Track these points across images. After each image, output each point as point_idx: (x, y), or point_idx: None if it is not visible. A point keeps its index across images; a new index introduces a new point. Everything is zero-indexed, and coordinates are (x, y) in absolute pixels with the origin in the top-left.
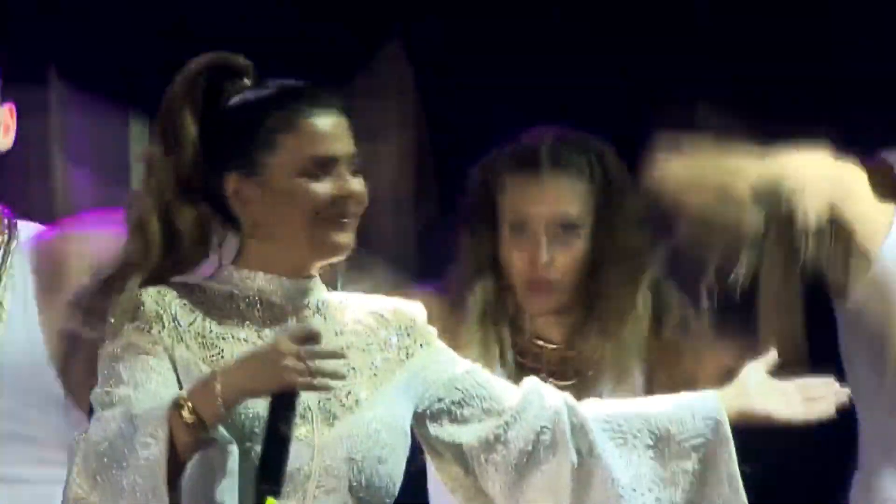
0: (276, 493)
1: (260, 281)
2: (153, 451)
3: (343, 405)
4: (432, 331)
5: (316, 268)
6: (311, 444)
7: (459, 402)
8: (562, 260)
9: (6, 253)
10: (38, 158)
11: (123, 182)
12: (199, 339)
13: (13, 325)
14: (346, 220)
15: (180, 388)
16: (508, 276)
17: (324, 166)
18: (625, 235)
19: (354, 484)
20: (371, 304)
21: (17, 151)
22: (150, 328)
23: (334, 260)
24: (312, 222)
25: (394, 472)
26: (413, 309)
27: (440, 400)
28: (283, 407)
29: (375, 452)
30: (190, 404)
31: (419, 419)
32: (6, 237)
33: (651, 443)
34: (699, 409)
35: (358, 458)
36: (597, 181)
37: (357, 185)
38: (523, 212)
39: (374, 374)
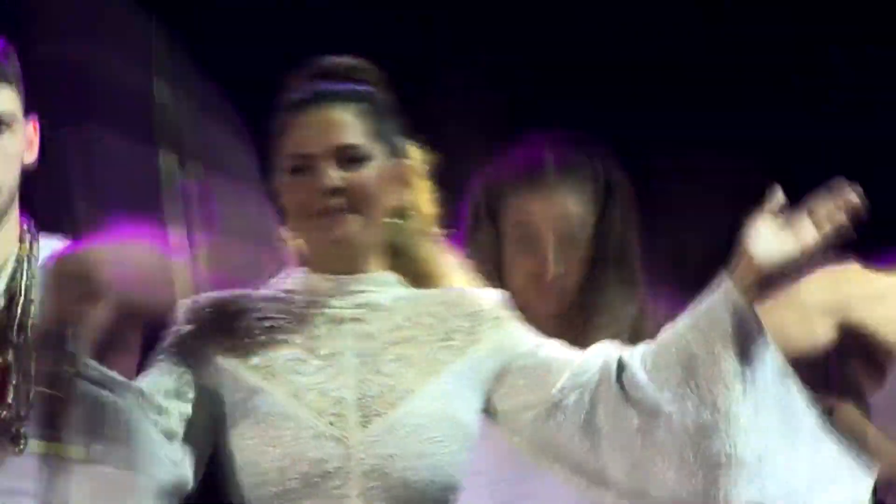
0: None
1: (311, 280)
2: None
3: (386, 402)
4: (503, 314)
5: (370, 263)
6: (345, 443)
7: (518, 374)
8: (566, 264)
9: (28, 267)
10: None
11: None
12: (246, 345)
13: None
14: (326, 215)
15: (204, 394)
16: (511, 283)
17: (301, 163)
18: (623, 240)
19: (393, 481)
20: (445, 295)
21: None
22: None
23: (338, 249)
24: (302, 220)
25: (442, 466)
26: (484, 294)
27: (505, 376)
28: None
29: (414, 448)
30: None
31: (491, 400)
32: (27, 250)
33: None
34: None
35: (396, 453)
36: (600, 188)
37: (335, 178)
38: (529, 219)
39: (430, 366)
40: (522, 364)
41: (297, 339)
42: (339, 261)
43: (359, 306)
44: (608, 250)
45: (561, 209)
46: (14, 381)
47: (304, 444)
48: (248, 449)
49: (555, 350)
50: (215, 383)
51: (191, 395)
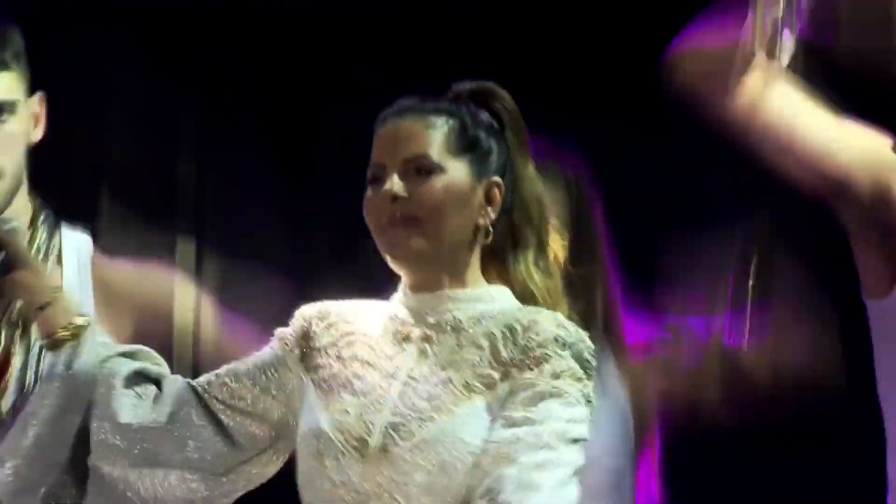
0: None
1: (398, 298)
2: None
3: (409, 430)
4: (559, 358)
5: (463, 279)
6: (363, 463)
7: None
8: None
9: (39, 255)
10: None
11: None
12: (336, 358)
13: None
14: (391, 225)
15: (288, 402)
16: None
17: (375, 174)
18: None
19: None
20: (515, 316)
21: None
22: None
23: (407, 266)
24: (375, 235)
25: (457, 494)
26: (550, 326)
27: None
28: None
29: (430, 479)
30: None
31: None
32: (40, 237)
33: None
34: None
35: (411, 483)
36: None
37: (398, 186)
38: None
39: (464, 392)
40: (494, 427)
41: (368, 356)
42: (417, 279)
43: (430, 326)
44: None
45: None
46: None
47: (331, 466)
48: (299, 461)
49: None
50: (294, 386)
51: (265, 384)
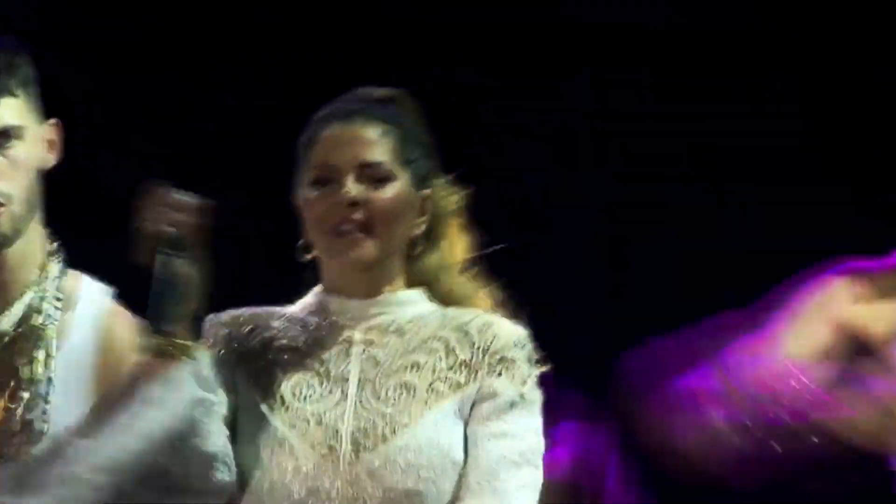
0: (159, 330)
1: (327, 302)
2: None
3: (379, 436)
4: (515, 355)
5: (393, 285)
6: (337, 475)
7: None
8: None
9: (46, 301)
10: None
11: None
12: (257, 367)
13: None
14: (346, 229)
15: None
16: None
17: (324, 175)
18: None
19: None
20: (463, 319)
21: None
22: (217, 349)
23: (353, 271)
24: (321, 237)
25: (432, 502)
26: (507, 330)
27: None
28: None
29: (408, 485)
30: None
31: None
32: (48, 276)
33: None
34: None
35: (387, 489)
36: None
37: (355, 191)
38: None
39: (429, 396)
40: (475, 439)
41: (308, 362)
42: (357, 284)
43: (370, 329)
44: None
45: None
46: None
47: (300, 474)
48: (253, 472)
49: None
50: (231, 398)
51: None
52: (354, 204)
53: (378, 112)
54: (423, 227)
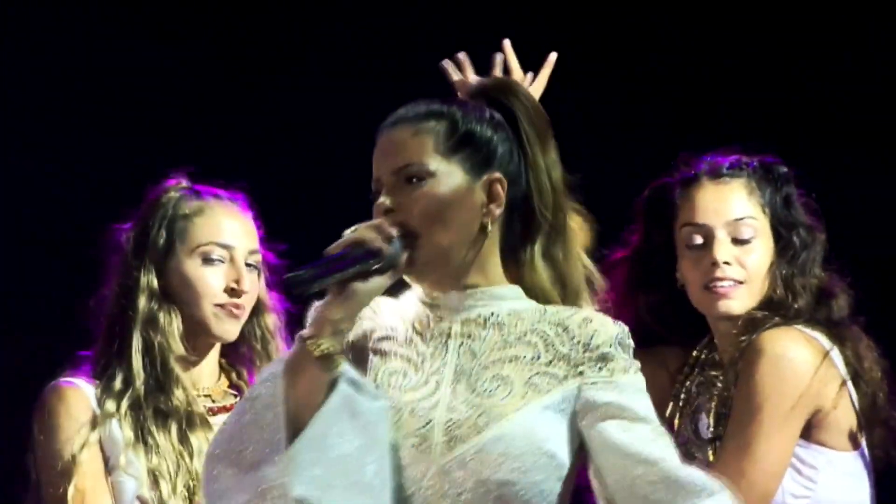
0: (294, 277)
1: (427, 295)
2: (277, 369)
3: (473, 426)
4: (616, 353)
5: (486, 277)
6: (429, 465)
7: (602, 450)
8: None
9: None
10: None
11: None
12: (358, 354)
13: None
14: (391, 236)
15: None
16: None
17: (374, 189)
18: None
19: None
20: (564, 315)
21: None
22: None
23: (416, 277)
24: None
25: (527, 496)
26: (603, 325)
27: (592, 433)
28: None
29: (500, 476)
30: (311, 336)
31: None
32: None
33: None
34: None
35: (480, 480)
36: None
37: (388, 199)
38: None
39: (527, 390)
40: (609, 441)
41: (405, 353)
42: (432, 283)
43: (469, 322)
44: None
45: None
46: None
47: (393, 462)
48: None
49: (645, 448)
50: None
51: None
52: (388, 212)
53: (420, 110)
54: (497, 212)
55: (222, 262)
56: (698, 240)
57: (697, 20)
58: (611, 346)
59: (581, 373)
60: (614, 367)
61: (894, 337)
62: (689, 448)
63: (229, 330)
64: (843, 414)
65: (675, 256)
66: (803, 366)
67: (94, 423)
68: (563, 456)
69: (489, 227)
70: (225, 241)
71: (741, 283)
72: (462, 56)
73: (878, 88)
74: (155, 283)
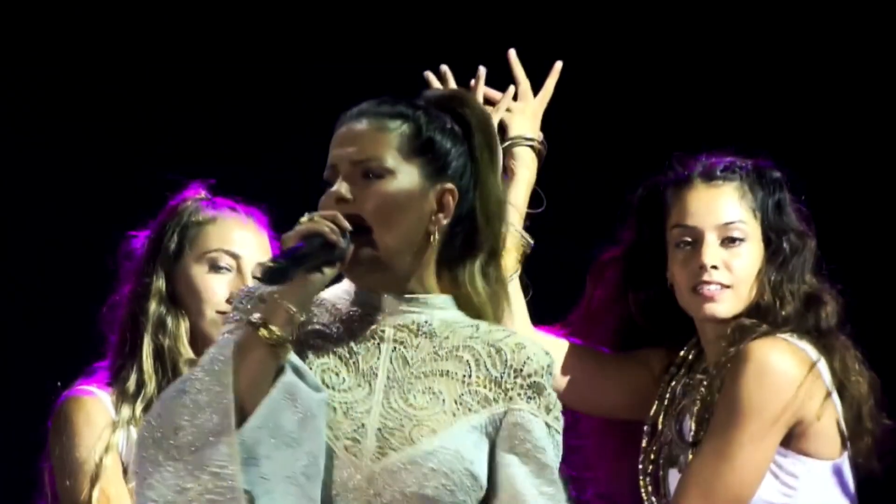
0: (274, 267)
1: (361, 294)
2: (223, 353)
3: (405, 437)
4: (543, 383)
5: (422, 284)
6: (358, 470)
7: (503, 478)
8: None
9: None
10: None
11: None
12: (305, 347)
13: None
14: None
15: None
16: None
17: (328, 175)
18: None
19: None
20: (495, 336)
21: None
22: None
23: (355, 270)
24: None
25: None
26: (540, 356)
27: (498, 457)
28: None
29: (427, 491)
30: (265, 321)
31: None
32: None
33: None
34: None
35: (408, 492)
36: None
37: (343, 189)
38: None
39: (457, 407)
40: (511, 479)
41: (337, 350)
42: (368, 281)
43: (402, 328)
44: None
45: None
46: None
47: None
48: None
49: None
50: None
51: None
52: (340, 201)
53: (386, 108)
54: (444, 222)
55: (229, 270)
56: (688, 241)
57: (694, 20)
58: (542, 376)
59: (510, 398)
60: (542, 401)
61: (882, 346)
62: (672, 449)
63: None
64: (827, 424)
65: (666, 256)
66: (789, 378)
67: (114, 428)
68: (483, 479)
69: (434, 236)
70: (233, 249)
71: (728, 286)
72: (444, 68)
73: (875, 94)
74: (164, 287)
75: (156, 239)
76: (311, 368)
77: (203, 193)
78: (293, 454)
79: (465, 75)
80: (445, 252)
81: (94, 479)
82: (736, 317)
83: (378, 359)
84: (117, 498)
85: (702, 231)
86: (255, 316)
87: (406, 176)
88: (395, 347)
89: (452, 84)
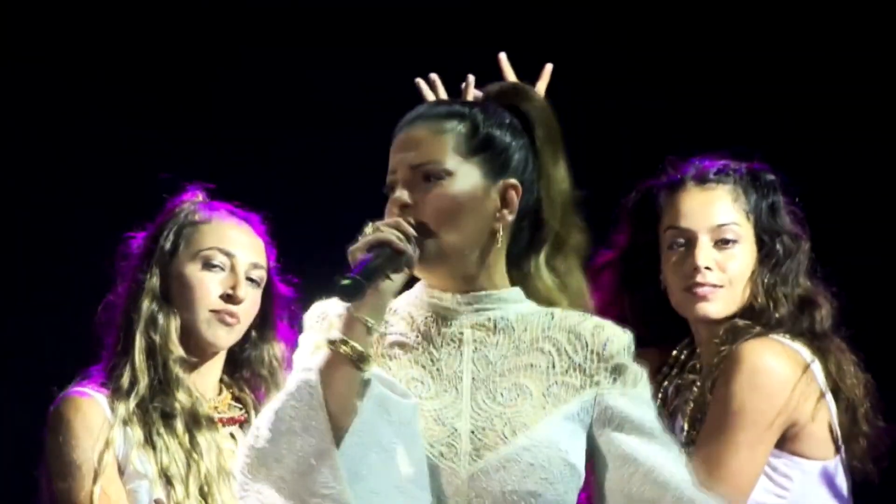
0: (349, 284)
1: (433, 296)
2: (310, 376)
3: (499, 436)
4: (627, 361)
5: (492, 281)
6: (456, 474)
7: (611, 458)
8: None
9: None
10: None
11: None
12: (381, 358)
13: None
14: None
15: None
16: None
17: (389, 182)
18: None
19: None
20: (573, 321)
21: None
22: None
23: (429, 272)
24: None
25: None
26: (613, 333)
27: (603, 441)
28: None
29: (527, 486)
30: (344, 338)
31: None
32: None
33: None
34: None
35: (508, 490)
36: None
37: (404, 195)
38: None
39: (546, 400)
40: (620, 451)
41: (419, 358)
42: (443, 282)
43: (478, 327)
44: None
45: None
46: None
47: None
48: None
49: (659, 462)
50: None
51: None
52: (403, 207)
53: (442, 110)
54: (509, 218)
55: (223, 269)
56: (681, 243)
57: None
58: (624, 355)
59: (597, 382)
60: (627, 378)
61: (878, 348)
62: None
63: (221, 336)
64: (821, 426)
65: (660, 259)
66: (782, 380)
67: (110, 428)
68: (581, 468)
69: (500, 233)
70: (227, 248)
71: (721, 287)
72: (434, 76)
73: (867, 97)
74: (158, 285)
75: (152, 238)
76: (398, 381)
77: (201, 196)
78: (395, 464)
79: (455, 80)
80: (513, 246)
81: (95, 479)
82: (729, 318)
83: (460, 362)
84: (117, 497)
85: (695, 233)
86: (334, 334)
87: (466, 175)
88: (475, 348)
89: (442, 91)
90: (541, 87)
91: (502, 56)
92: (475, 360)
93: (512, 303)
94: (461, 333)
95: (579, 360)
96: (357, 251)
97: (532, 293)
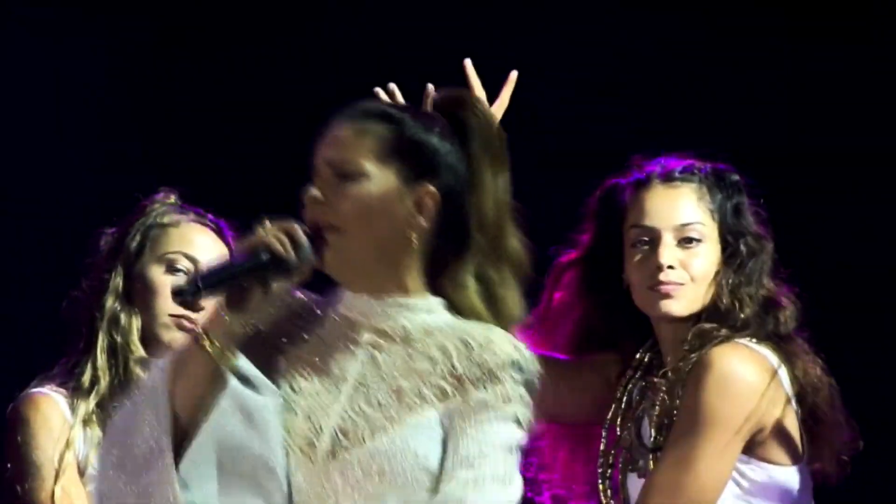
0: (184, 287)
1: (346, 298)
2: (156, 377)
3: (358, 438)
4: (504, 376)
5: (403, 287)
6: (309, 465)
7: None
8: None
9: None
10: None
11: None
12: (282, 347)
13: None
14: (314, 229)
15: None
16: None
17: (312, 178)
18: None
19: None
20: (471, 331)
21: None
22: None
23: (333, 273)
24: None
25: None
26: (507, 348)
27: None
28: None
29: (378, 489)
30: (204, 331)
31: None
32: None
33: None
34: None
35: (357, 488)
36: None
37: (315, 191)
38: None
39: (413, 401)
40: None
41: (313, 354)
42: (352, 282)
43: (379, 333)
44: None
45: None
46: None
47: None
48: None
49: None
50: None
51: None
52: (313, 202)
53: (366, 111)
54: (424, 224)
55: (186, 274)
56: (645, 241)
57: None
58: (504, 369)
59: (466, 390)
60: (498, 391)
61: (841, 351)
62: (633, 454)
63: (179, 341)
64: (787, 431)
65: (623, 257)
66: (751, 387)
67: (70, 428)
68: (434, 473)
69: (413, 239)
70: (192, 252)
71: (683, 285)
72: (392, 86)
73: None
74: (121, 285)
75: (119, 237)
76: (281, 373)
77: (173, 198)
78: (245, 458)
79: (419, 86)
80: (437, 254)
81: (56, 477)
82: (694, 318)
83: (350, 364)
84: (78, 497)
85: (659, 231)
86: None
87: (382, 179)
88: (370, 353)
89: (399, 101)
90: (505, 94)
91: (467, 63)
92: (364, 364)
93: (420, 312)
94: (360, 336)
95: (460, 368)
96: (238, 249)
97: (456, 304)
